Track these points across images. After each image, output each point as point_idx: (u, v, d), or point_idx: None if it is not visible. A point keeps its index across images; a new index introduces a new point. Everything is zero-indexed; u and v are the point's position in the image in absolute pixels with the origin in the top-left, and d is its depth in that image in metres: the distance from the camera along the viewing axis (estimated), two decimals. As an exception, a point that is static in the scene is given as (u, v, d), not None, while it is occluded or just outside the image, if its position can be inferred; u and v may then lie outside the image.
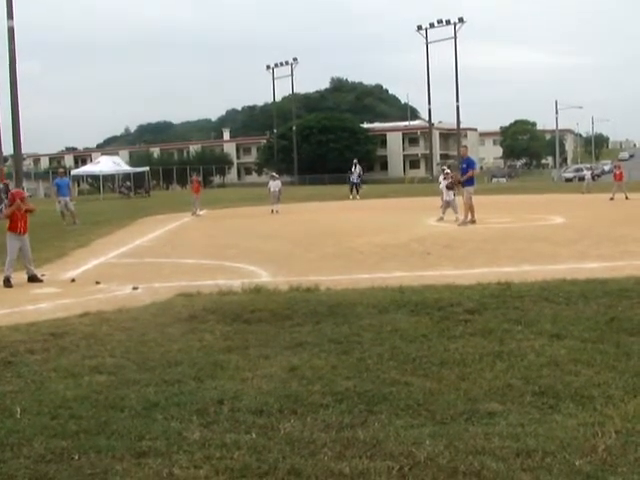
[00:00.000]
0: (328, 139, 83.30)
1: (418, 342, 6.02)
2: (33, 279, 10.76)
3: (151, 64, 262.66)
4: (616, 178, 30.66)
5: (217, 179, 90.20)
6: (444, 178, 21.92)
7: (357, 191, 37.70)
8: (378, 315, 7.09)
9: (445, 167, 27.83)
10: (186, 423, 4.28)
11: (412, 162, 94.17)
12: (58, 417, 4.46)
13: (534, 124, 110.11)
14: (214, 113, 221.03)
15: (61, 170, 31.64)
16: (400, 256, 12.39)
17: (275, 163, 79.28)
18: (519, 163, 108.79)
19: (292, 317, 7.13)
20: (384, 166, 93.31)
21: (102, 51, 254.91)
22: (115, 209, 33.35)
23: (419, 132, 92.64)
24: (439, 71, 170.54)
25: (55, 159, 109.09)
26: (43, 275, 11.11)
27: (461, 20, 69.07)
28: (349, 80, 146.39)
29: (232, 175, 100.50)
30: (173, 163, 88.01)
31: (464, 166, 19.74)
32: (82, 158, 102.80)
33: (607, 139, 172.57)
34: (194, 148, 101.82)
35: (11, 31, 31.86)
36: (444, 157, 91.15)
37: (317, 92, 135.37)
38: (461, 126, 74.13)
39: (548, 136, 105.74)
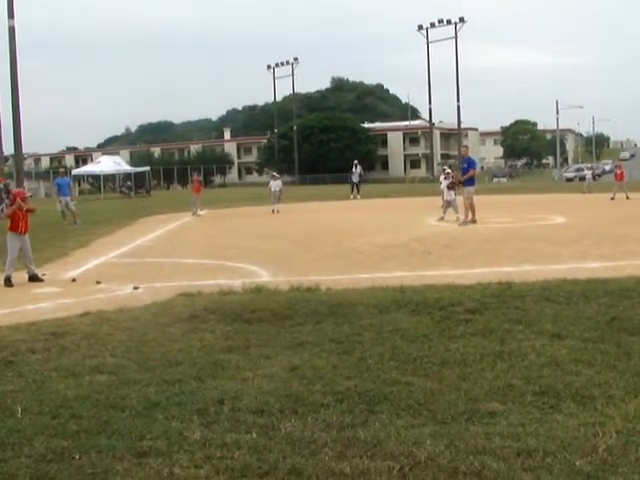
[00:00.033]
0: (329, 139, 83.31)
1: (419, 342, 6.02)
2: (34, 279, 10.78)
3: (151, 64, 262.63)
4: (617, 178, 30.66)
5: (218, 179, 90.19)
6: (445, 178, 21.92)
7: (358, 191, 37.87)
8: (379, 315, 7.09)
9: (446, 167, 27.81)
10: (187, 423, 4.28)
11: (413, 162, 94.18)
12: (59, 417, 4.47)
13: (535, 124, 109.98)
14: (215, 113, 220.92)
15: (62, 170, 31.71)
16: (400, 256, 12.38)
17: (276, 163, 79.26)
18: (520, 163, 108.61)
19: (293, 317, 7.13)
20: (385, 166, 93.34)
21: (102, 51, 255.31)
22: (116, 209, 33.33)
23: (420, 132, 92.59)
24: (440, 71, 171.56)
25: (56, 159, 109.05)
26: (44, 275, 11.12)
27: (462, 20, 68.99)
28: (350, 80, 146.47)
29: (233, 175, 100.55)
30: (174, 163, 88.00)
31: (465, 166, 19.73)
32: (83, 158, 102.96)
33: (608, 139, 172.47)
34: (195, 148, 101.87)
35: (12, 30, 31.87)
36: (445, 157, 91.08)
37: (318, 92, 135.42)
38: (462, 126, 74.13)
39: (549, 136, 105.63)
